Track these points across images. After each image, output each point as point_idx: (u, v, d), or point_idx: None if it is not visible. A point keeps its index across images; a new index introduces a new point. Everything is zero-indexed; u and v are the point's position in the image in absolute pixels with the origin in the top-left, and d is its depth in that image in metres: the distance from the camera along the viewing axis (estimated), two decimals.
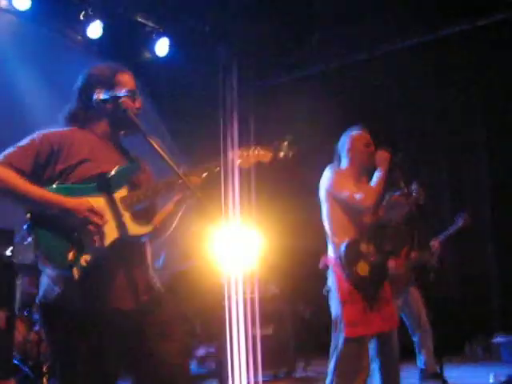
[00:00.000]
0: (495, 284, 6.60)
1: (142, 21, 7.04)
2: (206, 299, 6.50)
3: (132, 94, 2.47)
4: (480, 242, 6.73)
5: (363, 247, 3.58)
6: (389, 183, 3.82)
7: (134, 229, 2.31)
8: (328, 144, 4.01)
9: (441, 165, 7.07)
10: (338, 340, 3.51)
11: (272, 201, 7.39)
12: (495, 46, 6.50)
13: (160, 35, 7.13)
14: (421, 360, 5.32)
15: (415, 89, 6.99)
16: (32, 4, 6.05)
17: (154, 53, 7.13)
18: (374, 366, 3.61)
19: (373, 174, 3.74)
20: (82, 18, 6.53)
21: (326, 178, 3.76)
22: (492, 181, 6.70)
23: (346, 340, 3.47)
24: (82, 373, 2.20)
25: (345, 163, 3.83)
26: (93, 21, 6.60)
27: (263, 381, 5.96)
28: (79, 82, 2.52)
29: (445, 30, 6.77)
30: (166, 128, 7.56)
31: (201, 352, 6.34)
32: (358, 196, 3.58)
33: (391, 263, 5.10)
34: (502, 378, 4.97)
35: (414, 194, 4.23)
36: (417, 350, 5.33)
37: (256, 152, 2.62)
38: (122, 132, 2.52)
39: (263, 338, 5.94)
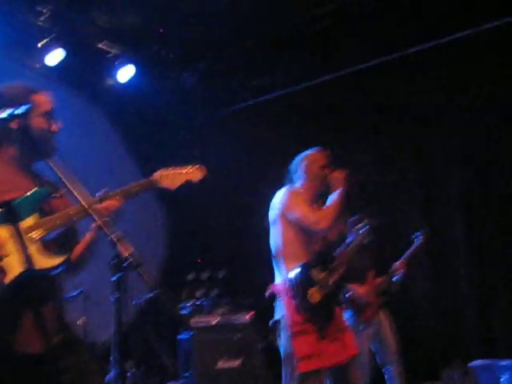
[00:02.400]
0: (469, 307, 6.39)
1: (104, 48, 6.90)
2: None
3: (46, 116, 2.28)
4: (451, 262, 6.52)
5: (314, 273, 3.34)
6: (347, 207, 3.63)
7: (42, 261, 2.08)
8: None
9: (410, 184, 6.86)
10: (291, 377, 3.23)
11: None
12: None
13: (123, 62, 6.98)
14: None
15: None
16: None
17: (117, 79, 6.97)
18: None
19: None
20: (39, 46, 6.40)
21: (280, 197, 3.51)
22: (463, 199, 6.50)
23: (300, 376, 3.19)
24: None
25: (299, 184, 3.63)
26: (54, 48, 6.46)
27: None
28: None
29: None
30: (129, 154, 7.43)
31: None
32: (311, 217, 3.35)
33: (360, 290, 4.90)
34: None
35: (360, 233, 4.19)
36: (388, 382, 5.08)
37: (185, 171, 2.44)
38: (33, 156, 2.31)
39: (230, 370, 5.68)
